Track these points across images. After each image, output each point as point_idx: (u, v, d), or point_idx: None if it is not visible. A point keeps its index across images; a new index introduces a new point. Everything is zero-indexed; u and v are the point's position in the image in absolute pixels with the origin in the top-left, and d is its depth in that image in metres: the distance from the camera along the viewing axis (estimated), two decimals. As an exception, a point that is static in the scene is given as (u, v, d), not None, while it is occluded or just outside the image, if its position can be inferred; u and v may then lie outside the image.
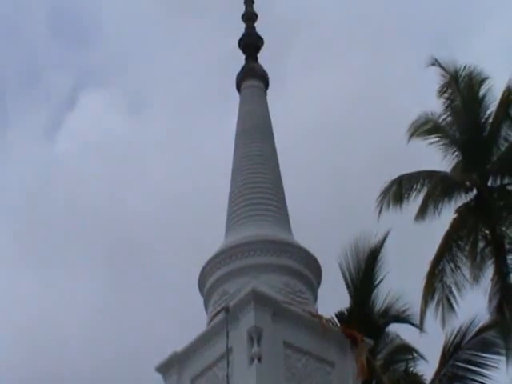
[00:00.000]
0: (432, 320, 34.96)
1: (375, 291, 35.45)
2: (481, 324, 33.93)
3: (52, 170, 79.72)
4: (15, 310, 67.71)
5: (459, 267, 35.60)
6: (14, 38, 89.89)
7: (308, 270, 25.44)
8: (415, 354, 34.83)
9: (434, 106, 37.29)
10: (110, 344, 62.95)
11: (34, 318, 67.71)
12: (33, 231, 75.65)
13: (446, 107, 37.64)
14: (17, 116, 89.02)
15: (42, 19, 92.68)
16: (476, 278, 35.09)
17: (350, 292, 35.00)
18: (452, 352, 34.11)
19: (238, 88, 29.01)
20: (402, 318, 35.21)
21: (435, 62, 37.55)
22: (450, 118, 37.53)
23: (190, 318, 24.48)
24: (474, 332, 34.06)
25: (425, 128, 37.24)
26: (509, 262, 35.67)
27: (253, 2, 29.45)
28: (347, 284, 35.32)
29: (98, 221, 71.52)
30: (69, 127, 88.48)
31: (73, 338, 65.49)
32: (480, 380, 33.87)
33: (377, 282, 35.61)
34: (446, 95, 37.81)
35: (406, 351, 35.01)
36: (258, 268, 24.56)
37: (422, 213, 36.16)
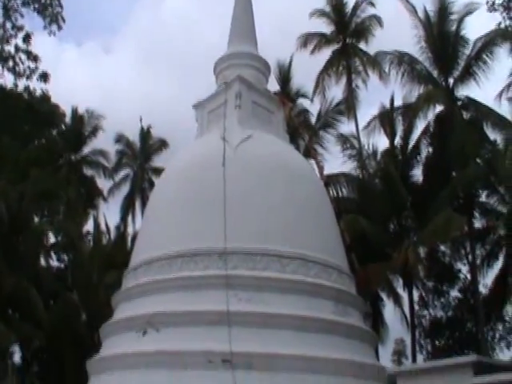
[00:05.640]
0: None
1: (291, 82, 35.13)
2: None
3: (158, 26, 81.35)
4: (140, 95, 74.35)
5: (330, 76, 34.99)
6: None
7: (263, 66, 23.76)
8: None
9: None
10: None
11: (147, 97, 72.13)
12: (150, 54, 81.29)
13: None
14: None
15: None
16: (337, 80, 35.00)
17: (280, 83, 34.31)
18: (324, 114, 34.07)
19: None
20: (304, 96, 34.96)
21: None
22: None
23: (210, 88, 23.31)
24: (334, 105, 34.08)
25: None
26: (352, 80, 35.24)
27: None
28: (278, 80, 34.66)
29: (177, 49, 78.21)
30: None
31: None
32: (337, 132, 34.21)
33: (290, 80, 35.17)
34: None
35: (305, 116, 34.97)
36: (242, 65, 22.77)
37: (315, 51, 35.51)
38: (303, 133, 31.53)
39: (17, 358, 36.09)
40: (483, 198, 30.34)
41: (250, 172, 18.66)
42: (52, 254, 36.27)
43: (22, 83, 29.04)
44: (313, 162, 26.15)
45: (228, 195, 17.41)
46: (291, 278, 17.22)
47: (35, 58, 29.61)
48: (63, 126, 38.31)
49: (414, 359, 27.89)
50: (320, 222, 19.44)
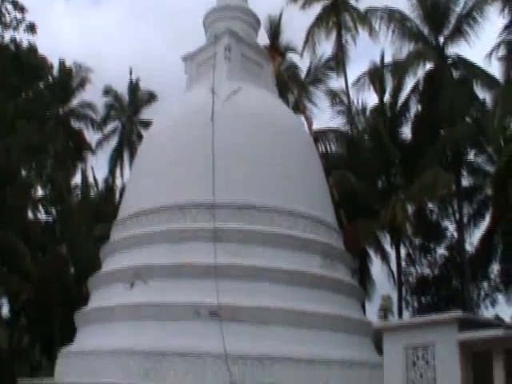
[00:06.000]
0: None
1: (281, 36, 34.45)
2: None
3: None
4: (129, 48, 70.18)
5: (320, 31, 34.30)
6: None
7: (253, 20, 23.02)
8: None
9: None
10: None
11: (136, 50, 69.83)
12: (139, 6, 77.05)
13: None
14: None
15: None
16: (327, 36, 34.15)
17: (269, 37, 33.57)
18: (314, 69, 33.52)
19: None
20: (294, 51, 34.41)
21: None
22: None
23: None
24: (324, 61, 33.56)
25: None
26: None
27: None
28: (268, 34, 33.89)
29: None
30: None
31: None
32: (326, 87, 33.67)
33: (280, 35, 34.40)
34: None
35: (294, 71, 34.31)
36: (232, 18, 22.05)
37: (305, 6, 34.74)
38: (292, 87, 31.08)
39: (5, 310, 36.13)
40: (471, 156, 30.25)
41: (239, 125, 18.32)
42: (40, 207, 35.93)
43: (8, 35, 28.27)
44: (302, 116, 25.88)
45: (217, 148, 17.14)
46: (279, 231, 17.14)
47: (22, 9, 29.04)
48: (50, 79, 37.49)
49: (401, 315, 27.93)
50: (308, 176, 19.27)
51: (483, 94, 28.97)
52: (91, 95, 40.85)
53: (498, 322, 14.57)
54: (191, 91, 21.14)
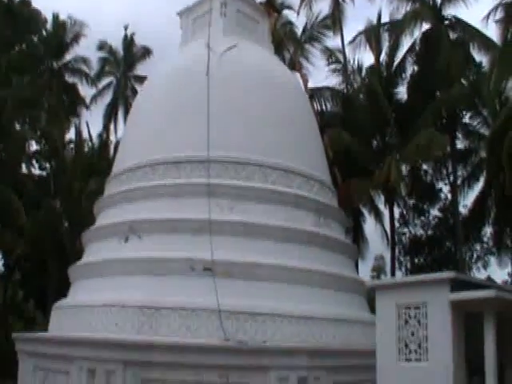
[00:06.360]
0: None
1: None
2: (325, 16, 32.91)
3: None
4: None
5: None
6: None
7: None
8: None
9: None
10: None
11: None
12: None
13: None
14: None
15: None
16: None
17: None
18: (310, 27, 33.00)
19: None
20: (290, 8, 33.80)
21: None
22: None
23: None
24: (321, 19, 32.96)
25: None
26: None
27: None
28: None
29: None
30: None
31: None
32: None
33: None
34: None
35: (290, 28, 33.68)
36: None
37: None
38: (288, 45, 30.60)
39: (-1, 265, 36.13)
40: (466, 119, 30.11)
41: (235, 81, 17.97)
42: (34, 161, 35.63)
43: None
44: (297, 74, 25.50)
45: (212, 104, 16.85)
46: (273, 188, 16.98)
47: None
48: (44, 33, 36.80)
49: (393, 276, 27.99)
50: (303, 134, 19.03)
51: (480, 57, 28.84)
52: (86, 51, 40.26)
53: (489, 284, 14.61)
54: (187, 46, 20.71)
